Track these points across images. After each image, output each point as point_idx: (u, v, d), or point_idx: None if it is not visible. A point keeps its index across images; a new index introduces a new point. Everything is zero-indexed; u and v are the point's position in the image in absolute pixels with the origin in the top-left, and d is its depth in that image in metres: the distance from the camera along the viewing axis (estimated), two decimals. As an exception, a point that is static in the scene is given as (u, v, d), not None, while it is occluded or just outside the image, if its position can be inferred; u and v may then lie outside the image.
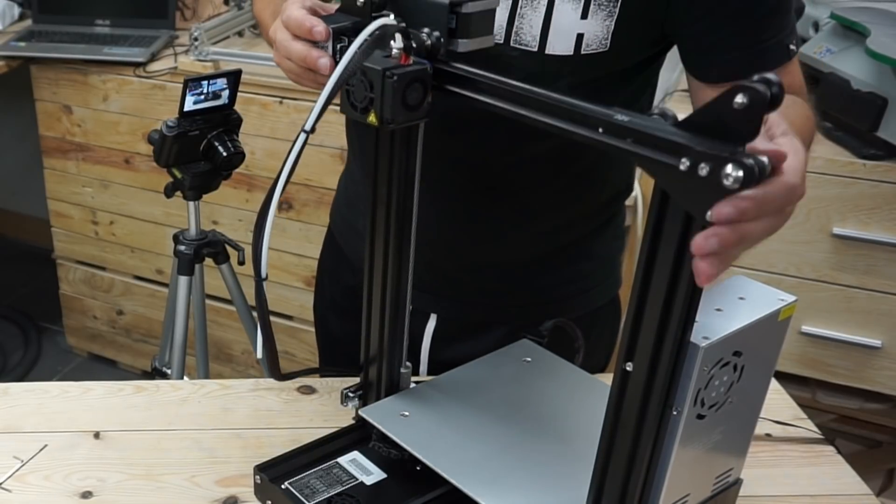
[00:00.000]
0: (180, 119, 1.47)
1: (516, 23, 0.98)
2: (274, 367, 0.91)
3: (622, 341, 0.72)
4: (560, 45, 0.98)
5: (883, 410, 2.08)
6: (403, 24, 0.82)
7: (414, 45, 0.81)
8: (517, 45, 0.99)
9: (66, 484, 1.00)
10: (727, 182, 0.59)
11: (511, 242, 1.16)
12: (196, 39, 2.33)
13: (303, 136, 0.80)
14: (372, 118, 0.81)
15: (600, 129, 0.69)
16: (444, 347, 1.23)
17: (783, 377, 1.34)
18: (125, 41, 2.48)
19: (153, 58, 2.43)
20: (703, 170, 0.60)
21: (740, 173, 0.58)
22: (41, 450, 1.05)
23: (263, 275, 0.83)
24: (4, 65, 2.44)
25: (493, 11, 0.85)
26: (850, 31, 1.93)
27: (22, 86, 2.60)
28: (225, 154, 1.51)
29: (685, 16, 0.98)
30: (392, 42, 0.80)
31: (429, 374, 1.25)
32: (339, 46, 0.86)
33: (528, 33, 0.98)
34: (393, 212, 0.91)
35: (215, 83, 1.48)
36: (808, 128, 1.01)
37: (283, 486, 0.93)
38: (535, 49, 0.99)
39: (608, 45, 0.98)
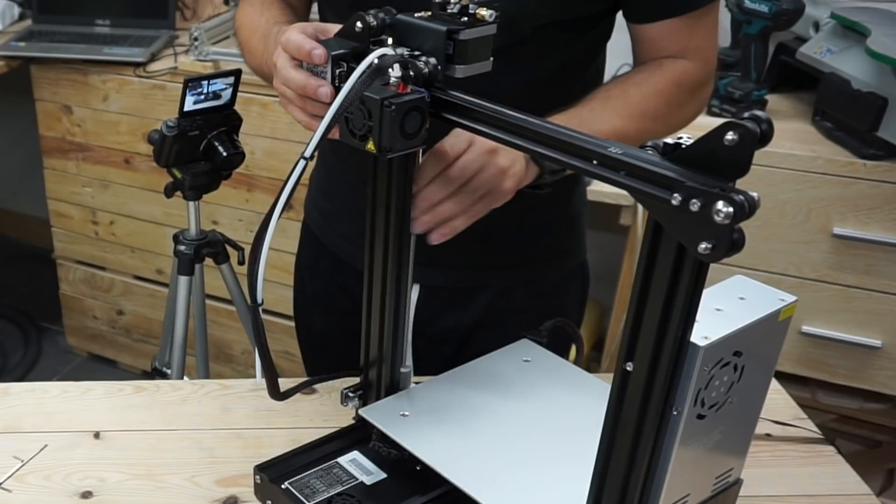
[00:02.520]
0: (180, 119, 1.47)
1: None
2: (273, 388, 0.92)
3: (622, 341, 0.72)
4: None
5: (883, 410, 2.08)
6: (402, 54, 0.84)
7: (412, 73, 0.82)
8: None
9: (66, 484, 1.00)
10: (718, 218, 0.61)
11: None
12: (196, 39, 2.33)
13: (302, 162, 0.82)
14: (370, 146, 0.82)
15: (594, 161, 0.71)
16: (431, 319, 1.24)
17: (783, 377, 1.34)
18: (125, 41, 2.48)
19: (153, 58, 2.43)
20: (695, 205, 0.62)
21: (731, 209, 0.60)
22: (41, 450, 1.05)
23: (259, 300, 0.85)
24: (4, 65, 2.44)
25: (490, 38, 0.87)
26: (850, 31, 1.93)
27: (22, 86, 2.60)
28: (225, 154, 1.51)
29: None
30: (390, 71, 0.81)
31: (415, 349, 1.26)
32: (338, 72, 0.88)
33: None
34: (392, 214, 0.92)
35: (215, 83, 1.48)
36: (635, 107, 1.07)
37: (283, 486, 0.93)
38: None
39: None
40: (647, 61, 1.12)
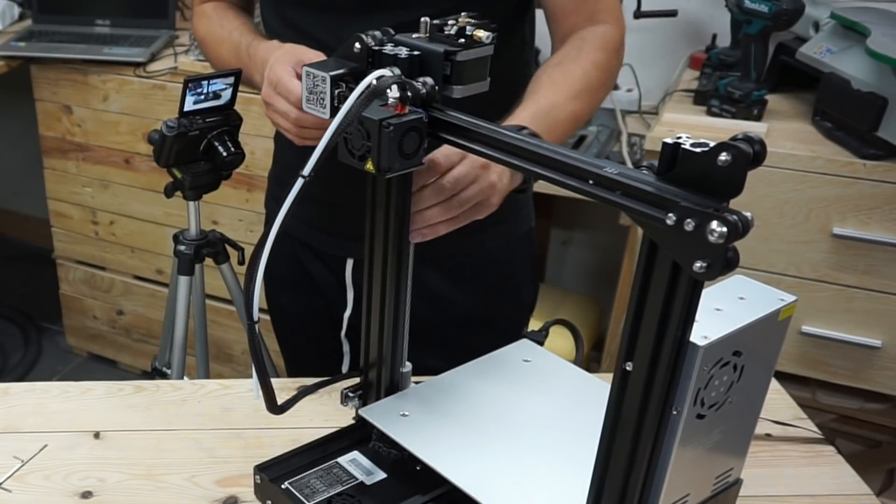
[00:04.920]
0: (180, 119, 1.46)
1: None
2: (271, 404, 0.92)
3: (622, 341, 0.72)
4: None
5: (883, 410, 2.08)
6: (400, 75, 0.85)
7: (409, 94, 0.83)
8: None
9: (66, 484, 1.00)
10: (712, 237, 0.62)
11: None
12: (196, 39, 2.33)
13: (300, 181, 0.82)
14: (369, 166, 0.83)
15: (590, 181, 0.72)
16: None
17: (783, 377, 1.34)
18: (125, 41, 2.48)
19: (153, 58, 2.43)
20: (689, 225, 0.63)
21: (724, 229, 0.61)
22: (41, 450, 1.05)
23: (255, 318, 0.85)
24: (4, 65, 2.44)
25: (487, 59, 0.88)
26: (850, 31, 1.93)
27: (22, 86, 2.60)
28: (225, 154, 1.51)
29: None
30: (388, 91, 0.82)
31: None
32: (336, 92, 0.88)
33: None
34: (392, 217, 0.93)
35: (215, 83, 1.47)
36: (580, 84, 1.11)
37: (283, 486, 0.93)
38: None
39: None
40: (564, 37, 1.16)
